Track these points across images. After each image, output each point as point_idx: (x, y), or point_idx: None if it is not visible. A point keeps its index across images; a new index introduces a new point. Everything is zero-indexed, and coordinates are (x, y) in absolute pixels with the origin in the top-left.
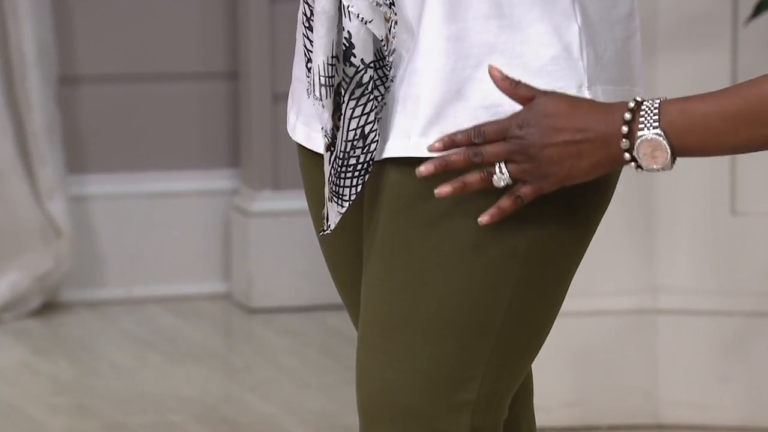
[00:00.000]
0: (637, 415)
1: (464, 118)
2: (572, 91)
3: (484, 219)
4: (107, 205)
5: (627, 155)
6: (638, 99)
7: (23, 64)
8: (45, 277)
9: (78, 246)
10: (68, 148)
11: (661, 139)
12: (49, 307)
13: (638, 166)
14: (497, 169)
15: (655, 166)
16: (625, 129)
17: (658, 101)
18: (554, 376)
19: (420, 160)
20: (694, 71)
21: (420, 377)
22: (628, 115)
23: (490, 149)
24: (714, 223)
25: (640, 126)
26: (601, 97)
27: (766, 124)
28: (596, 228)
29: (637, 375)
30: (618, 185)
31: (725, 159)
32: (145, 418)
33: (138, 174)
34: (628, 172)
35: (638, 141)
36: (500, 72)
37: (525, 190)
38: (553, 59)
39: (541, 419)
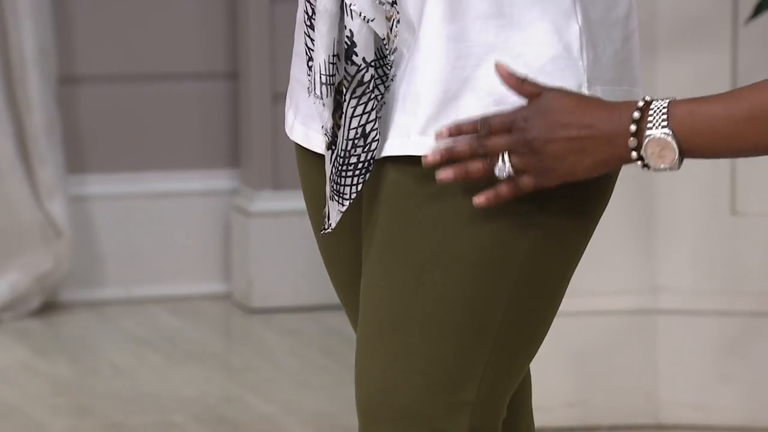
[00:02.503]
0: (637, 415)
1: (464, 116)
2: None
3: (480, 200)
4: (107, 205)
5: (634, 154)
6: (647, 99)
7: (23, 64)
8: (45, 277)
9: (78, 246)
10: (68, 148)
11: (669, 138)
12: (49, 307)
13: (645, 165)
14: (500, 160)
15: (662, 166)
16: (633, 128)
17: (667, 101)
18: (554, 376)
19: (420, 159)
20: (694, 71)
21: (419, 377)
22: (636, 114)
23: (494, 140)
24: (714, 223)
25: (649, 125)
26: (600, 98)
27: None
28: (595, 228)
29: (637, 375)
30: (618, 185)
31: (725, 159)
32: (145, 418)
33: (138, 174)
34: (628, 173)
35: (646, 140)
36: (507, 69)
37: (525, 182)
38: (553, 59)
39: (541, 419)
